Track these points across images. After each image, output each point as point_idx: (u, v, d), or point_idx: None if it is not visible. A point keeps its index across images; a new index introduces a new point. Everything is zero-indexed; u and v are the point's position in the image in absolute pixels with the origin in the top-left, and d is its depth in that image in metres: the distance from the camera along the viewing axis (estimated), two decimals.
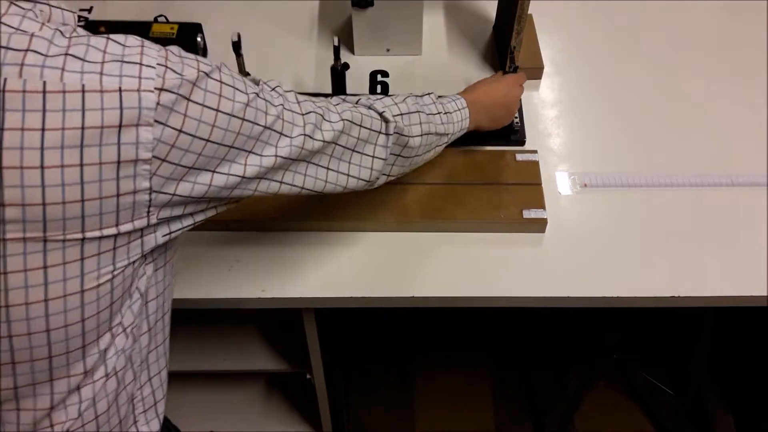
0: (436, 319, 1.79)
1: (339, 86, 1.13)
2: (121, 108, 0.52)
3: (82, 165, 0.51)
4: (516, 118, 1.10)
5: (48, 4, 0.57)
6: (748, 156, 1.11)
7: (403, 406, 1.68)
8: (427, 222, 1.00)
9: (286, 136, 0.67)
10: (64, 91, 0.50)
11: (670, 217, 1.04)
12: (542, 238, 1.01)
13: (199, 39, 1.15)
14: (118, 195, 0.54)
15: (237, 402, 1.44)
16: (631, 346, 1.69)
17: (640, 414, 1.68)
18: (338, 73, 1.11)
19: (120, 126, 0.52)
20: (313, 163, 0.73)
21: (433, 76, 1.23)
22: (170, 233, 0.62)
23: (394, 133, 0.81)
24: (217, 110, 0.58)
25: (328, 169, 0.75)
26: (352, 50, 1.25)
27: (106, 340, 0.61)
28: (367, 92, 1.19)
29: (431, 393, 1.71)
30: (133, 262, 0.59)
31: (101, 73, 0.51)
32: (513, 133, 1.10)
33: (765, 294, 0.96)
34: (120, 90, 0.52)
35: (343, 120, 0.74)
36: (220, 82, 0.59)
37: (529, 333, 1.77)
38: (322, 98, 0.77)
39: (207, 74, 0.57)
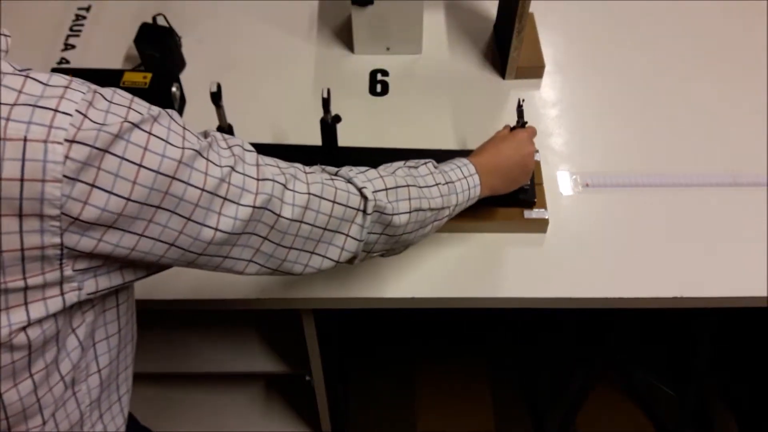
0: (436, 319, 1.78)
1: (329, 140, 1.03)
2: (23, 160, 0.47)
3: None
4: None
5: None
6: (749, 156, 1.11)
7: (403, 407, 1.68)
8: None
9: (231, 202, 0.59)
10: None
11: (671, 218, 1.03)
12: (543, 238, 1.01)
13: (174, 89, 1.05)
14: (22, 249, 0.49)
15: (236, 403, 1.44)
16: (631, 346, 1.68)
17: (640, 414, 1.67)
18: (328, 126, 1.01)
19: (22, 179, 0.47)
20: (270, 240, 0.65)
21: (433, 75, 1.22)
22: (97, 291, 0.56)
23: (374, 211, 0.72)
24: (140, 165, 0.51)
25: (290, 248, 0.67)
26: (351, 49, 1.24)
27: (27, 386, 0.57)
28: (367, 91, 1.19)
29: (431, 393, 1.70)
30: (54, 314, 0.54)
31: (8, 119, 0.46)
32: (522, 192, 0.97)
33: (766, 295, 0.95)
34: (25, 139, 0.47)
35: (309, 194, 0.66)
36: (149, 133, 0.52)
37: (529, 333, 1.77)
38: (295, 165, 0.69)
39: (135, 125, 0.51)
